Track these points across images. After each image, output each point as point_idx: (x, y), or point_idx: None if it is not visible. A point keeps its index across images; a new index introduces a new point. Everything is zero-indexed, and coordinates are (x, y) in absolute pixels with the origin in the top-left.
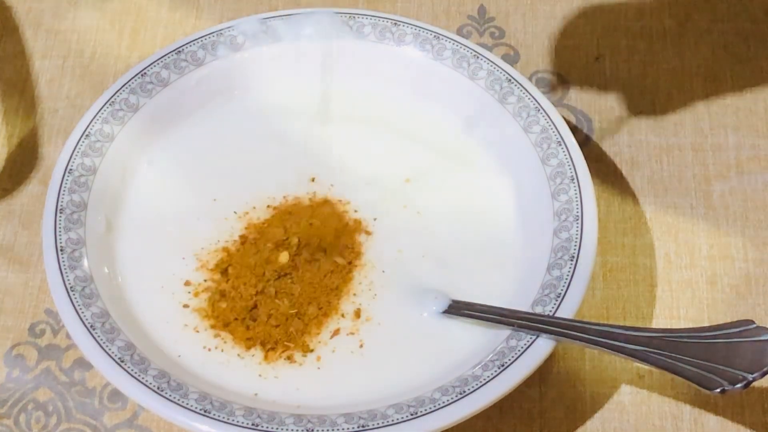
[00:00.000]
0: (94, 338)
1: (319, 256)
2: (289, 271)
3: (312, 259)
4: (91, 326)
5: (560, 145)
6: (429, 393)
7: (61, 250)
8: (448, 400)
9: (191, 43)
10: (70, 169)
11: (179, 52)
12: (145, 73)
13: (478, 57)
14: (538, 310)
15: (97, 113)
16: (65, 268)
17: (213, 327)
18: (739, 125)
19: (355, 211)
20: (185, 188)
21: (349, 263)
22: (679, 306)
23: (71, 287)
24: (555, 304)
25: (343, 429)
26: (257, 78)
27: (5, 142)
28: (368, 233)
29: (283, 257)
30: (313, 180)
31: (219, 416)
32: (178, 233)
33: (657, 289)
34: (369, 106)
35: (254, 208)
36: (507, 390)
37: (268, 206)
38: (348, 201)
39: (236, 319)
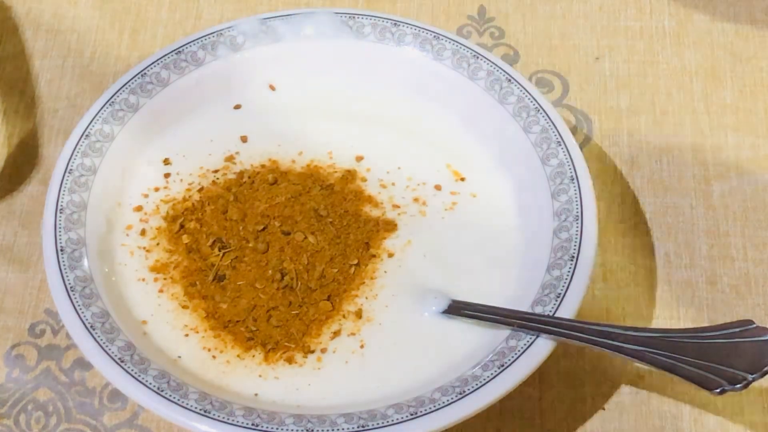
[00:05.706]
0: (94, 338)
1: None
2: (290, 272)
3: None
4: (91, 326)
5: (560, 145)
6: (429, 393)
7: (61, 250)
8: (448, 400)
9: (191, 43)
10: (70, 169)
11: (179, 52)
12: (145, 73)
13: (477, 57)
14: (538, 310)
15: (97, 113)
16: (65, 268)
17: (213, 328)
18: (739, 125)
19: None
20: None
21: (351, 264)
22: (679, 306)
23: (71, 287)
24: (555, 304)
25: (343, 429)
26: (257, 78)
27: (5, 142)
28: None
29: (287, 264)
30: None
31: (219, 416)
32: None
33: (657, 289)
34: (369, 106)
35: (255, 207)
36: (507, 390)
37: (269, 205)
38: None
39: (237, 320)
